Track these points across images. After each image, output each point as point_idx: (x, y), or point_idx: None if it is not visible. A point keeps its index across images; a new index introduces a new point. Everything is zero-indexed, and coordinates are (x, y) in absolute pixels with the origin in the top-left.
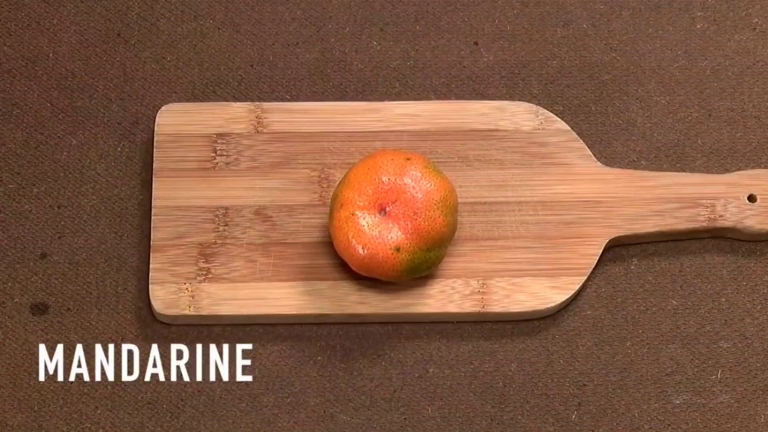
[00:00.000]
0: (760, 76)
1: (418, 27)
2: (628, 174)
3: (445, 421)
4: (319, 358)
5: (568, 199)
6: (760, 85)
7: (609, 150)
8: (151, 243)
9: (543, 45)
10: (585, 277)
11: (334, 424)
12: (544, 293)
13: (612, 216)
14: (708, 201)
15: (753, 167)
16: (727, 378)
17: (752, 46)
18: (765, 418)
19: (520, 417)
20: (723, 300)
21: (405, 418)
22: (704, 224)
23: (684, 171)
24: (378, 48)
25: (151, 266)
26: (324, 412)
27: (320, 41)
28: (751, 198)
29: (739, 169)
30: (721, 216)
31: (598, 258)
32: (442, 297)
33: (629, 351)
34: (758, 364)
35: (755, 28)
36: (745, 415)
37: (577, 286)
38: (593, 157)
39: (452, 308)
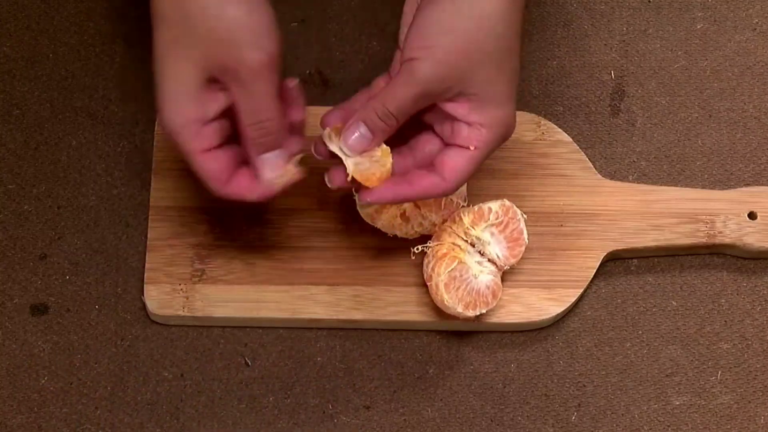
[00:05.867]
0: (760, 76)
1: None
2: (628, 187)
3: (444, 422)
4: (318, 358)
5: (567, 211)
6: (760, 86)
7: (609, 151)
8: (147, 243)
9: (543, 45)
10: (582, 290)
11: (334, 425)
12: (539, 304)
13: (611, 229)
14: (708, 217)
15: (753, 168)
16: (726, 379)
17: (752, 47)
18: (765, 419)
19: (519, 418)
20: (723, 301)
21: (405, 419)
22: (703, 240)
23: (684, 171)
24: (378, 48)
25: (146, 266)
26: (324, 412)
27: (320, 42)
28: (752, 215)
29: (739, 170)
30: (720, 232)
31: (595, 271)
32: (437, 305)
33: (629, 352)
34: (758, 366)
35: (755, 29)
36: (744, 416)
37: (574, 299)
38: (593, 169)
39: (447, 317)
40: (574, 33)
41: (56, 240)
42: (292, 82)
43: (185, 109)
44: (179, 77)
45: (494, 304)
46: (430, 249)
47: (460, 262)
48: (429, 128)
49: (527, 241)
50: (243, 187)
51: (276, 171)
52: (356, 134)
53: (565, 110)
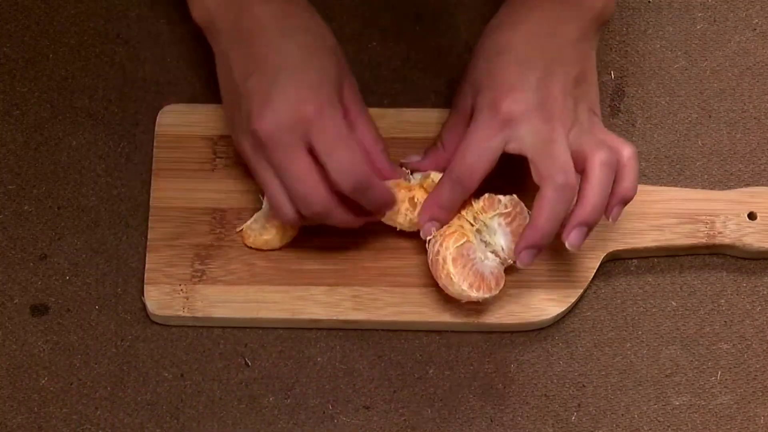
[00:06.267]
0: (760, 76)
1: (418, 28)
2: None
3: (444, 422)
4: (318, 359)
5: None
6: (760, 86)
7: None
8: (147, 243)
9: None
10: (582, 290)
11: (334, 425)
12: (540, 305)
13: (611, 230)
14: (708, 217)
15: (753, 168)
16: (726, 379)
17: (752, 47)
18: (764, 419)
19: (519, 418)
20: (723, 301)
21: (405, 419)
22: (703, 240)
23: (684, 172)
24: (378, 49)
25: (146, 266)
26: (324, 412)
27: None
28: (752, 216)
29: (739, 170)
30: (720, 233)
31: (595, 271)
32: (437, 306)
33: (629, 352)
34: (758, 366)
35: (755, 29)
36: (744, 416)
37: (574, 299)
38: None
39: (447, 317)
40: None
41: (56, 240)
42: None
43: (333, 91)
44: (330, 73)
45: (496, 292)
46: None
47: (469, 240)
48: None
49: None
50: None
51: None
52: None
53: None
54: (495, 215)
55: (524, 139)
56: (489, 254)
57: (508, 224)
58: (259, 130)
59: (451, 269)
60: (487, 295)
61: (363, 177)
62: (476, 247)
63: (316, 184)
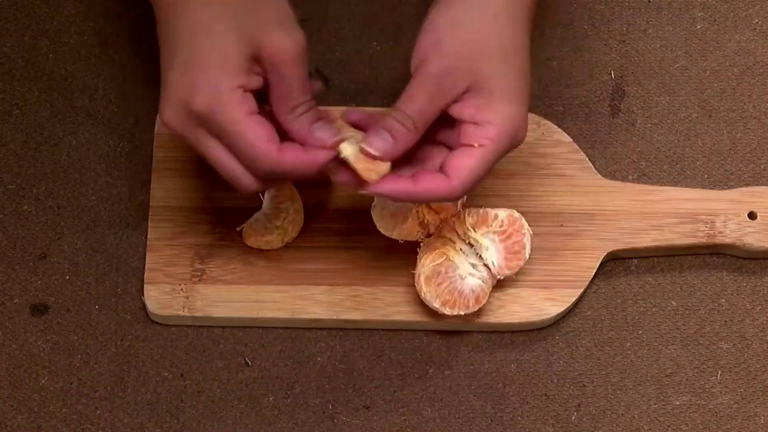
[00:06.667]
0: (760, 76)
1: (418, 27)
2: (628, 187)
3: (444, 422)
4: (318, 358)
5: (566, 211)
6: (760, 86)
7: (609, 151)
8: (147, 243)
9: (543, 45)
10: (581, 290)
11: (334, 425)
12: (539, 305)
13: (610, 229)
14: (708, 217)
15: (753, 168)
16: (726, 379)
17: (752, 47)
18: (765, 419)
19: (519, 418)
20: (723, 301)
21: (405, 419)
22: (703, 240)
23: (684, 171)
24: (378, 48)
25: (146, 266)
26: (324, 412)
27: (320, 42)
28: (752, 215)
29: (739, 170)
30: (720, 232)
31: (595, 271)
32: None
33: (629, 352)
34: (758, 366)
35: (755, 29)
36: (744, 416)
37: (574, 299)
38: (593, 169)
39: (447, 316)
40: (574, 33)
41: (56, 240)
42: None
43: (232, 76)
44: (225, 48)
45: (475, 309)
46: (426, 240)
47: (448, 259)
48: (442, 146)
49: (528, 257)
50: (299, 155)
51: (334, 136)
52: (378, 139)
53: (565, 110)
54: (488, 232)
55: (510, 117)
56: (480, 269)
57: (502, 240)
58: (167, 124)
59: (424, 287)
60: (462, 313)
61: (268, 159)
62: (458, 264)
63: (234, 170)
